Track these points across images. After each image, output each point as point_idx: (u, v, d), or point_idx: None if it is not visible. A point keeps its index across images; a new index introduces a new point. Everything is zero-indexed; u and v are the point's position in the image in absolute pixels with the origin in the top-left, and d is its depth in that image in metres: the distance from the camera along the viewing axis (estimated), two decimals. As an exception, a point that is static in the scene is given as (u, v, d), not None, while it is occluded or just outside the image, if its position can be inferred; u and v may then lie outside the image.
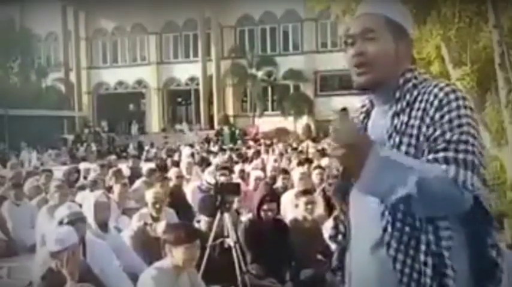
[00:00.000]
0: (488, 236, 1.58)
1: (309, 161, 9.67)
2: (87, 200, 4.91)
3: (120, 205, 6.29)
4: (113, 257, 4.14)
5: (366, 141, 1.46)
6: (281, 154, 13.46)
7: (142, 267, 3.97)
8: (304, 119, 31.57)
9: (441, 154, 1.50)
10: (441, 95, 1.58)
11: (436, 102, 1.57)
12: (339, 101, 31.09)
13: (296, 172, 7.14)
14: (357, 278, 1.72)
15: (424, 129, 1.57)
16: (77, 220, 3.92)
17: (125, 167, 10.56)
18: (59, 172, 10.12)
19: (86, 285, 3.39)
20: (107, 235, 4.54)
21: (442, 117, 1.55)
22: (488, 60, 8.72)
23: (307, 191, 5.45)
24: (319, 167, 7.85)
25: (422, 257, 1.53)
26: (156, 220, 5.08)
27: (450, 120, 1.54)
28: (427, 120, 1.57)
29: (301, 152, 13.77)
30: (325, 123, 30.50)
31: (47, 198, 6.74)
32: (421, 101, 1.60)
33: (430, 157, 1.51)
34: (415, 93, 1.63)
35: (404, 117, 1.61)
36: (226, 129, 29.92)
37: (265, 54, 33.48)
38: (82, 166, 11.03)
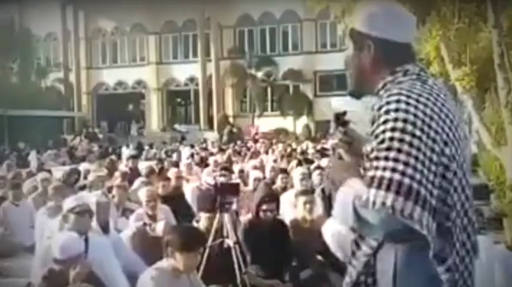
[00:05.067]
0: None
1: (308, 161, 9.66)
2: (88, 201, 4.89)
3: (120, 206, 6.29)
4: (113, 256, 4.14)
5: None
6: (281, 155, 13.44)
7: (142, 267, 3.96)
8: (304, 119, 31.57)
9: (368, 174, 1.44)
10: (383, 104, 1.49)
11: (376, 113, 1.50)
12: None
13: (297, 172, 7.11)
14: None
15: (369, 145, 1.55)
16: (84, 211, 4.12)
17: (124, 167, 10.53)
18: (58, 172, 10.10)
19: (85, 285, 3.39)
20: (107, 236, 4.54)
21: (373, 131, 1.50)
22: (487, 61, 8.72)
23: (306, 191, 5.45)
24: (319, 167, 7.84)
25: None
26: (152, 218, 5.08)
27: (379, 134, 1.46)
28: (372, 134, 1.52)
29: (303, 153, 13.73)
30: (325, 124, 30.51)
31: (44, 197, 6.75)
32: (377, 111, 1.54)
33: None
34: (377, 104, 1.55)
35: (372, 128, 1.55)
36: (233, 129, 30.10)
37: (265, 54, 33.49)
38: (82, 166, 11.01)
